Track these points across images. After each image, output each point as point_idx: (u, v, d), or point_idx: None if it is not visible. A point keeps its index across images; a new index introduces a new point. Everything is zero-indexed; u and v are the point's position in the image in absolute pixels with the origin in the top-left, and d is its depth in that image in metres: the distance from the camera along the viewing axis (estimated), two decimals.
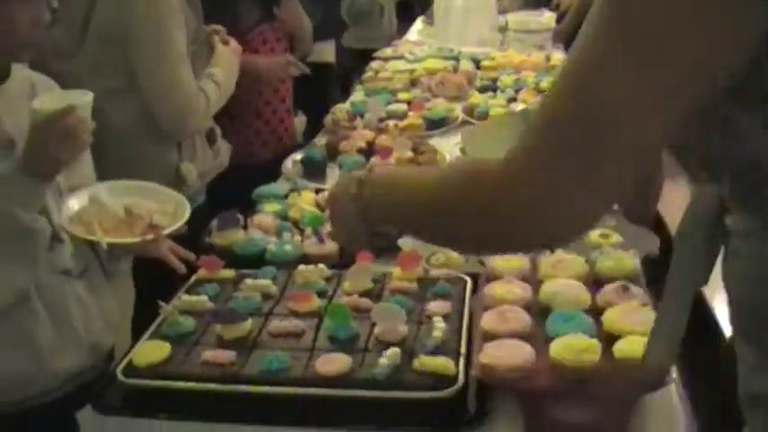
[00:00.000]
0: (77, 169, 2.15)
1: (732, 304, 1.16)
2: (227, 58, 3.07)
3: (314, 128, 4.19)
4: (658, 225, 2.09)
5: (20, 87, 2.04)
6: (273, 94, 3.82)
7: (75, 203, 2.12)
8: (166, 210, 2.22)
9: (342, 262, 2.18)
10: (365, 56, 5.34)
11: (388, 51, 5.23)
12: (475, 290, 1.95)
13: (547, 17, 6.10)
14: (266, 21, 3.73)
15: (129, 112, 2.82)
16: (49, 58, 3.35)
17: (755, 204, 1.07)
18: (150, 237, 2.09)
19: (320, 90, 5.29)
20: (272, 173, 3.11)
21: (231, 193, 2.79)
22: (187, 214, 2.22)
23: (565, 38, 5.35)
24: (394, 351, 1.65)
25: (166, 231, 2.14)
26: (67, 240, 2.06)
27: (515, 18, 6.04)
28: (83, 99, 1.93)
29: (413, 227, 1.33)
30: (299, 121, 4.21)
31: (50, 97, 1.98)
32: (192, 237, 2.36)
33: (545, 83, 3.98)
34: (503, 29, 5.78)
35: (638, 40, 0.95)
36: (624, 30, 0.96)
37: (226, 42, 3.11)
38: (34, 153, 1.86)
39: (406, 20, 6.81)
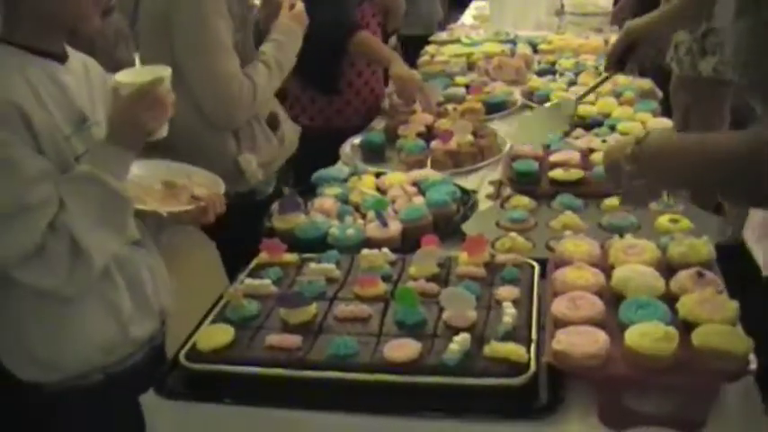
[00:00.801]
0: None
1: None
2: (286, 28, 2.95)
3: None
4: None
5: (78, 66, 2.06)
6: (366, 67, 3.79)
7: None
8: (201, 181, 2.22)
9: (405, 246, 2.16)
10: (414, 42, 5.32)
11: (443, 36, 5.18)
12: (543, 275, 1.91)
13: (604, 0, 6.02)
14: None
15: (182, 102, 2.71)
16: (111, 47, 3.37)
17: None
18: (203, 204, 2.11)
19: None
20: None
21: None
22: (222, 185, 2.23)
23: (622, 20, 5.26)
24: (464, 337, 1.61)
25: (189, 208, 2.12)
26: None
27: (572, 1, 5.96)
28: (167, 71, 1.99)
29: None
30: None
31: (133, 72, 2.04)
32: (260, 228, 2.37)
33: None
34: (559, 12, 5.70)
35: None
36: None
37: (292, 6, 3.01)
38: (124, 123, 1.92)
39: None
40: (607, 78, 2.40)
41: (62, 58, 1.97)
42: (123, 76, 1.95)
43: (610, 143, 1.67)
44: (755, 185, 1.38)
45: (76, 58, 2.07)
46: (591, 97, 3.29)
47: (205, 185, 2.20)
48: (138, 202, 2.03)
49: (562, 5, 5.81)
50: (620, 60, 2.38)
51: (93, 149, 1.91)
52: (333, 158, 3.03)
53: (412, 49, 5.14)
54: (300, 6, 3.01)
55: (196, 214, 2.12)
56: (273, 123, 2.99)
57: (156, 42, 2.73)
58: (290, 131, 3.10)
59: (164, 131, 1.99)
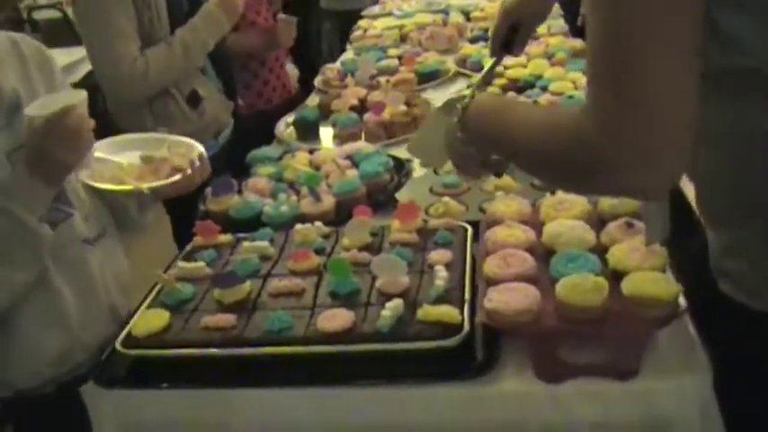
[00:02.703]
0: None
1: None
2: (207, 13, 3.11)
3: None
4: None
5: (3, 48, 1.97)
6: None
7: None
8: (180, 151, 2.17)
9: (339, 219, 2.15)
10: (347, 18, 5.32)
11: (375, 10, 5.17)
12: (476, 238, 1.91)
13: None
14: None
15: None
16: None
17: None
18: (189, 172, 2.07)
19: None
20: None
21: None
22: (197, 147, 2.20)
23: None
24: (397, 303, 1.61)
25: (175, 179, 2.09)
26: (80, 207, 2.02)
27: None
28: (79, 97, 1.84)
29: (507, 154, 1.48)
30: (293, 73, 4.25)
31: (43, 102, 1.87)
32: (193, 204, 2.37)
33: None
34: None
35: None
36: None
37: None
38: (38, 158, 1.79)
39: None
40: (497, 63, 2.20)
41: None
42: (34, 108, 1.82)
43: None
44: (542, 159, 1.30)
45: (1, 39, 1.98)
46: (522, 59, 3.31)
47: (181, 153, 2.16)
48: (118, 182, 2.01)
49: None
50: (506, 43, 2.17)
51: (10, 179, 1.80)
52: (268, 139, 3.02)
53: (344, 24, 5.14)
54: None
55: (184, 184, 2.09)
56: (194, 100, 3.13)
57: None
58: (217, 108, 3.26)
59: (88, 161, 1.93)
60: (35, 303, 1.89)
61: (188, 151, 2.18)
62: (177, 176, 2.06)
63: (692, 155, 1.14)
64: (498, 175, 1.75)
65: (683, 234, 1.61)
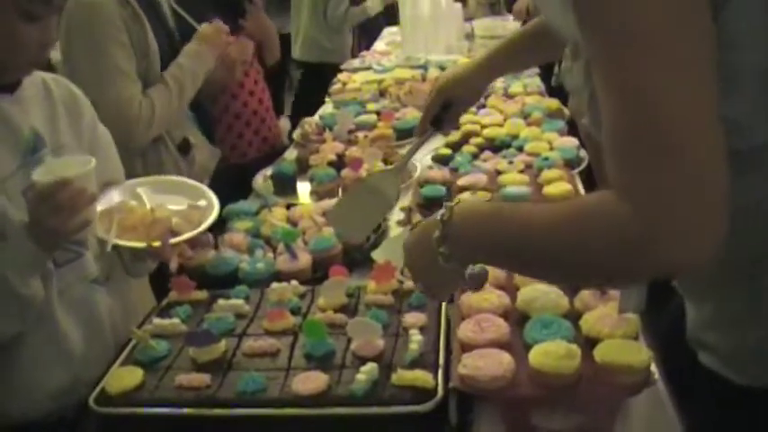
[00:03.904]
0: (102, 165, 2.04)
1: None
2: (191, 51, 3.11)
3: None
4: None
5: (33, 89, 1.99)
6: (250, 97, 3.90)
7: (116, 196, 2.13)
8: (191, 217, 2.16)
9: (315, 277, 2.16)
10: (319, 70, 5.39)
11: (354, 63, 5.21)
12: (451, 300, 1.92)
13: (512, 23, 6.12)
14: (234, 32, 3.70)
15: None
16: None
17: None
18: (157, 244, 2.03)
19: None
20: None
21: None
22: (208, 222, 2.16)
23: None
24: (371, 366, 1.62)
25: (176, 240, 2.09)
26: (92, 246, 2.02)
27: (482, 24, 6.06)
28: (82, 169, 1.80)
29: (513, 264, 1.37)
30: (285, 128, 4.28)
31: (50, 167, 1.85)
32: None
33: (513, 88, 4.00)
34: (470, 36, 5.79)
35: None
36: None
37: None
38: (34, 226, 1.76)
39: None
40: (424, 141, 2.09)
41: (11, 88, 1.91)
42: (38, 173, 1.80)
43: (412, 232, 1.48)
44: (574, 262, 1.15)
45: (35, 79, 2.00)
46: (498, 119, 3.35)
47: (188, 219, 2.14)
48: (103, 229, 2.00)
49: (472, 29, 5.89)
50: (436, 119, 2.10)
51: (12, 239, 1.79)
52: (244, 193, 3.03)
53: (324, 77, 5.18)
54: (211, 28, 3.19)
55: (153, 250, 2.05)
56: (185, 147, 3.12)
57: (68, 74, 2.79)
58: (205, 157, 3.25)
59: (87, 231, 1.90)
60: (39, 339, 1.89)
61: (200, 218, 2.17)
62: (142, 244, 2.03)
63: None
64: (478, 289, 1.65)
65: (657, 299, 1.62)
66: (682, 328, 1.49)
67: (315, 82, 5.61)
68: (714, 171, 1.02)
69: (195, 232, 2.12)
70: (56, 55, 4.42)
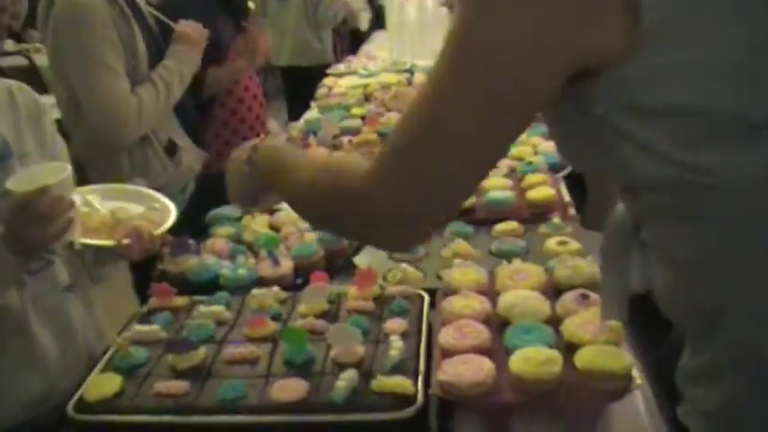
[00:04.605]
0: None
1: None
2: (175, 52, 3.17)
3: None
4: None
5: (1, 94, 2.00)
6: (239, 104, 3.95)
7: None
8: (151, 217, 2.17)
9: (297, 283, 2.15)
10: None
11: (340, 68, 5.21)
12: (433, 305, 1.92)
13: None
14: (238, 33, 3.85)
15: (80, 123, 3.02)
16: None
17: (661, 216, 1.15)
18: (126, 241, 2.02)
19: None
20: None
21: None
22: (169, 223, 2.17)
23: None
24: (351, 373, 1.61)
25: (161, 230, 2.12)
26: (60, 252, 2.02)
27: None
28: (58, 177, 1.80)
29: (291, 201, 1.55)
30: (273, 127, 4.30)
31: (24, 176, 1.84)
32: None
33: None
34: None
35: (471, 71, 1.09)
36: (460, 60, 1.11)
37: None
38: (12, 234, 1.77)
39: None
40: None
41: None
42: (12, 182, 1.80)
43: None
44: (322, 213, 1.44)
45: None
46: None
47: (153, 221, 2.14)
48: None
49: None
50: None
51: None
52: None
53: (309, 81, 5.18)
54: (188, 26, 3.24)
55: (120, 249, 2.04)
56: (171, 149, 3.17)
57: (57, 74, 3.01)
58: (191, 158, 3.29)
59: (66, 239, 1.87)
60: (13, 348, 1.89)
61: (161, 219, 2.17)
62: (110, 242, 2.02)
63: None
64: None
65: (655, 330, 1.60)
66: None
67: (303, 85, 5.65)
68: (468, 187, 1.25)
69: (169, 224, 2.17)
70: (41, 59, 4.46)
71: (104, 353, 1.87)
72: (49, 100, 4.43)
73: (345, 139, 3.42)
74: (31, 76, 6.11)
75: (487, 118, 1.11)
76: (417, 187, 1.18)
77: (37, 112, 2.08)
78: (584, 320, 1.66)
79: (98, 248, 2.05)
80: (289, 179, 1.47)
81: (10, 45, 6.58)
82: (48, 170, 1.84)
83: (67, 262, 2.05)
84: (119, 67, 2.92)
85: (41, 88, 5.66)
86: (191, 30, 3.22)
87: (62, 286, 2.01)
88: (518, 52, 1.06)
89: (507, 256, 2.14)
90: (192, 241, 2.39)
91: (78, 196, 2.09)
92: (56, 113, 3.21)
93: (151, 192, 2.31)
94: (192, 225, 2.68)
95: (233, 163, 1.72)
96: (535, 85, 1.09)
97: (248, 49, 3.74)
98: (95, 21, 2.86)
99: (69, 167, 1.85)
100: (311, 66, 6.08)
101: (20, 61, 6.35)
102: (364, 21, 6.47)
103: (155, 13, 3.29)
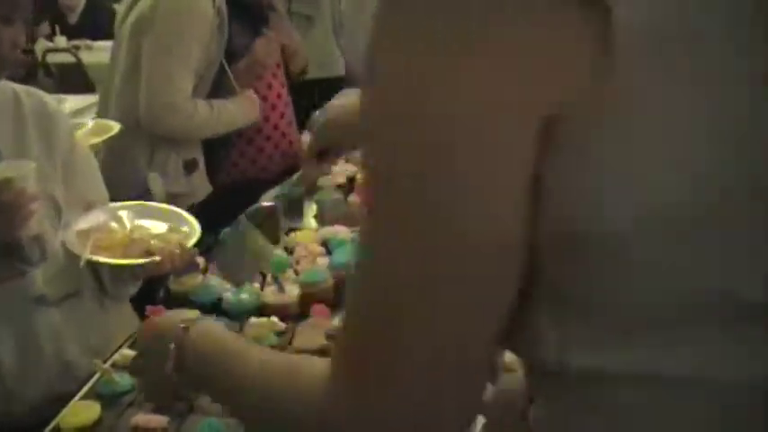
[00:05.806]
0: (79, 185, 2.13)
1: None
2: (239, 104, 3.22)
3: None
4: None
5: (2, 99, 1.98)
6: (272, 111, 3.73)
7: (99, 216, 2.11)
8: (169, 238, 2.13)
9: (302, 311, 2.05)
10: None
11: None
12: None
13: None
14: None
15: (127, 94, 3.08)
16: None
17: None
18: (142, 261, 2.01)
19: None
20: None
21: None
22: (193, 240, 2.15)
23: None
24: None
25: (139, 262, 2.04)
26: (48, 265, 1.98)
27: None
28: (21, 170, 1.83)
29: (229, 405, 1.15)
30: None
31: None
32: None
33: None
34: None
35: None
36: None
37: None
38: None
39: None
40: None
41: None
42: None
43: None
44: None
45: (3, 89, 1.99)
46: None
47: (167, 241, 2.10)
48: (79, 247, 1.97)
49: None
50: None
51: None
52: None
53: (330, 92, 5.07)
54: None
55: (150, 268, 2.04)
56: (190, 167, 3.17)
57: (133, 44, 3.04)
58: (200, 183, 3.25)
59: (27, 231, 1.86)
60: None
61: (185, 238, 2.14)
62: (122, 261, 2.01)
63: None
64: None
65: None
66: None
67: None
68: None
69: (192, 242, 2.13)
70: (88, 57, 4.34)
71: (90, 377, 1.80)
72: (90, 99, 4.41)
73: None
74: (78, 73, 6.13)
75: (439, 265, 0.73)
76: (398, 396, 0.77)
77: (47, 119, 2.05)
78: None
79: (120, 267, 2.04)
80: (234, 387, 1.04)
81: (62, 42, 6.60)
82: (13, 166, 1.86)
83: (58, 275, 2.00)
84: (194, 66, 3.00)
85: (86, 86, 5.65)
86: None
87: (33, 297, 1.95)
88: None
89: None
90: (201, 258, 2.30)
91: (109, 212, 2.14)
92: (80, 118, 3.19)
93: (183, 213, 2.29)
94: (205, 240, 2.62)
95: (149, 346, 1.28)
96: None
97: (272, 47, 3.58)
98: (198, 18, 2.99)
99: (33, 164, 1.86)
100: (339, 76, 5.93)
101: (67, 58, 6.34)
102: None
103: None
